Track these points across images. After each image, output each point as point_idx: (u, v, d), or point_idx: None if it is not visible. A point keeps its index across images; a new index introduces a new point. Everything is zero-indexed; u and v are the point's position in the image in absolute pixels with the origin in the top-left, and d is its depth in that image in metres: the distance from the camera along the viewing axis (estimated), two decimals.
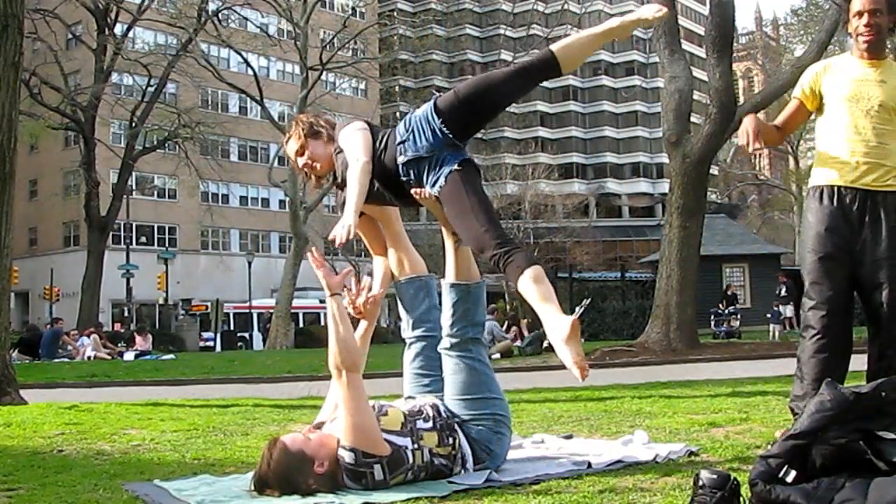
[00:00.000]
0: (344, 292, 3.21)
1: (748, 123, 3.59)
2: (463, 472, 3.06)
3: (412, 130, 3.18)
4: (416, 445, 2.96)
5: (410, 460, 2.94)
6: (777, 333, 19.74)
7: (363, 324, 3.43)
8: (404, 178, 3.22)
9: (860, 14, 3.56)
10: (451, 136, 3.14)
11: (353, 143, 3.23)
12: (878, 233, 3.51)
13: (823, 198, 3.58)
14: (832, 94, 3.61)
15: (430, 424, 3.05)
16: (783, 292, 21.82)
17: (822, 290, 3.52)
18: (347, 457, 2.85)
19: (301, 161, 3.45)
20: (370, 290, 3.47)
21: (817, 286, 3.54)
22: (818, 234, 3.55)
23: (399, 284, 3.52)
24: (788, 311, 21.62)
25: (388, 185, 3.28)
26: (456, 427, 3.11)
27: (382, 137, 3.27)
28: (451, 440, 3.06)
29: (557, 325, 2.81)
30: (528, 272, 2.90)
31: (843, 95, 3.58)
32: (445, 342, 3.30)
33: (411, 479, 2.94)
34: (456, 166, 3.12)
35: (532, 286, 2.88)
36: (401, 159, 3.19)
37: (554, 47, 3.27)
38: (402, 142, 3.19)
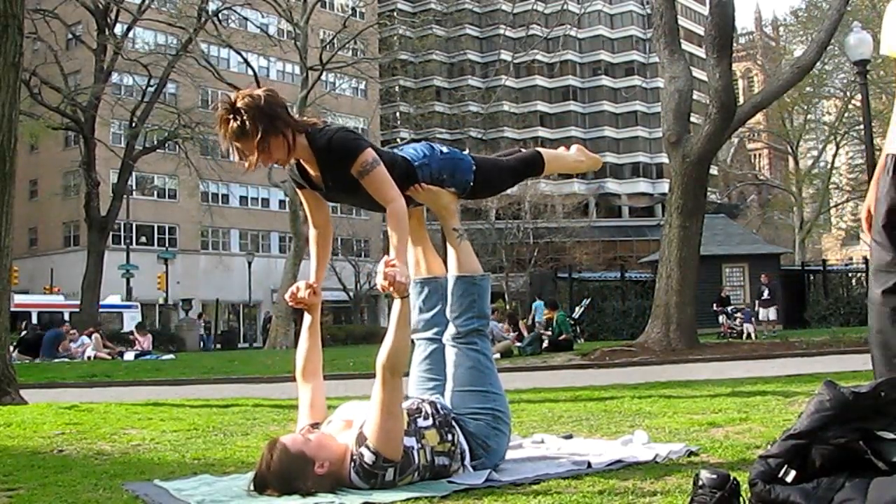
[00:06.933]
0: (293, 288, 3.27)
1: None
2: (462, 469, 3.06)
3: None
4: (419, 445, 2.95)
5: (416, 460, 2.93)
6: (753, 333, 19.10)
7: (307, 317, 3.31)
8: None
9: None
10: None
11: (385, 180, 3.06)
12: None
13: None
14: None
15: (429, 422, 3.04)
16: (766, 294, 21.06)
17: None
18: (368, 457, 2.84)
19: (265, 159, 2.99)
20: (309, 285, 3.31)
21: None
22: None
23: (414, 283, 3.43)
24: (772, 313, 20.58)
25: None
26: (453, 422, 3.10)
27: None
28: (450, 436, 3.05)
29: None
30: None
31: None
32: (451, 331, 3.30)
33: (417, 480, 2.94)
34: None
35: None
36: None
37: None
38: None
